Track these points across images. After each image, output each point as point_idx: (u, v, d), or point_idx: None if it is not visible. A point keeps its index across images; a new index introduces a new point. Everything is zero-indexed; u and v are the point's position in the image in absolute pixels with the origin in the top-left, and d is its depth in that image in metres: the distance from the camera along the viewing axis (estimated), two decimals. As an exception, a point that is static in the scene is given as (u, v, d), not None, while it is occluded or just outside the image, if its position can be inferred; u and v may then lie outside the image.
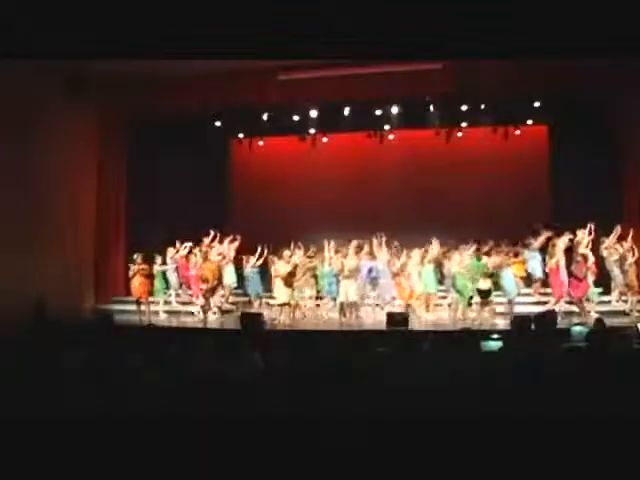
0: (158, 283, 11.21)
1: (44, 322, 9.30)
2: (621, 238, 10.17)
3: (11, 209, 9.79)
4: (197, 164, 13.30)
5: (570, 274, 9.59)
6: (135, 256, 11.29)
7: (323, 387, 2.83)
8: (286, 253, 10.40)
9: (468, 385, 2.92)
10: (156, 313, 11.14)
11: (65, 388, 3.02)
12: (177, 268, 11.49)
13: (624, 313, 9.89)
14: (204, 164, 13.49)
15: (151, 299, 10.93)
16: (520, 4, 3.82)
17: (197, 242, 11.42)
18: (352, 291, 10.03)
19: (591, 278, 9.77)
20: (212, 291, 10.38)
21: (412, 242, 11.64)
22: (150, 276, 10.85)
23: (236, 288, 11.45)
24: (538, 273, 10.44)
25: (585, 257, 9.73)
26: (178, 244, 11.53)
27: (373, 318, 10.30)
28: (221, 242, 11.35)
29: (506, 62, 10.13)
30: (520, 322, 8.07)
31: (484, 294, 9.66)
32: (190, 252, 11.24)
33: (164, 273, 11.41)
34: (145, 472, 2.42)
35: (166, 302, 11.48)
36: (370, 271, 10.28)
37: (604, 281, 10.40)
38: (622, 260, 10.01)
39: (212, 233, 11.44)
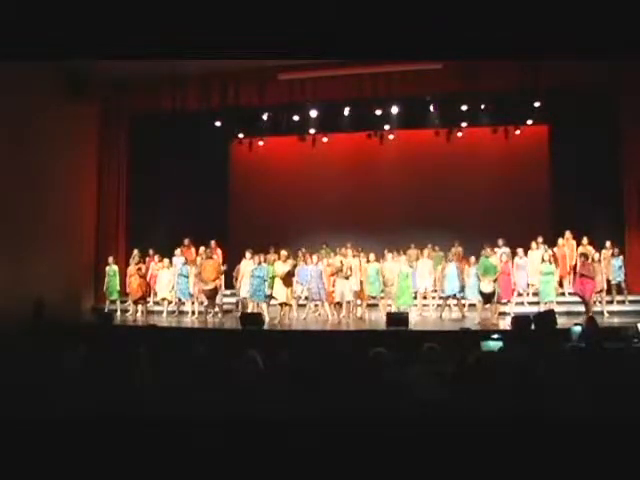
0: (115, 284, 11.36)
1: (43, 322, 9.30)
2: None
3: (12, 209, 9.79)
4: (197, 164, 13.30)
5: (580, 274, 9.61)
6: (134, 254, 11.32)
7: (323, 387, 2.83)
8: (284, 253, 10.41)
9: (468, 385, 2.92)
10: (160, 313, 11.18)
11: (64, 388, 3.01)
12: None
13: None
14: (204, 164, 13.50)
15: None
16: (520, 4, 3.82)
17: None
18: (348, 291, 10.05)
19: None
20: (214, 292, 10.39)
21: (411, 241, 11.73)
22: (144, 276, 10.88)
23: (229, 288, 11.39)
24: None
25: (586, 256, 9.74)
26: (178, 251, 11.52)
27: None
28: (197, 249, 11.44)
29: (506, 62, 10.15)
30: (520, 322, 8.08)
31: (486, 297, 9.48)
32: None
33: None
34: (145, 472, 2.42)
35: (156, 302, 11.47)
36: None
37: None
38: None
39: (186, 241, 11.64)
